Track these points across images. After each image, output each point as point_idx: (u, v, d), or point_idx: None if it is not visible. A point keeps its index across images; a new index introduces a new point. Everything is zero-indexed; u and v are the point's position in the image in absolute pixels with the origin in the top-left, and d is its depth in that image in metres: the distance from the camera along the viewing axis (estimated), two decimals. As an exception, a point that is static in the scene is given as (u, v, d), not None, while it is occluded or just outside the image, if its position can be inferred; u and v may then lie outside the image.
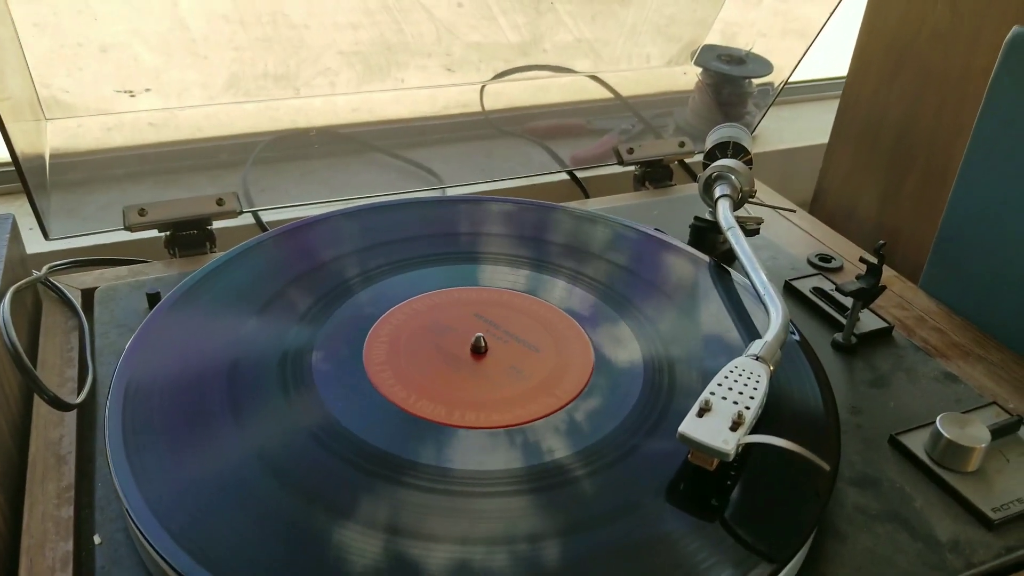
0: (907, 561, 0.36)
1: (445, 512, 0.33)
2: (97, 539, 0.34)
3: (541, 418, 0.38)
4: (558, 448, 0.37)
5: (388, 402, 0.38)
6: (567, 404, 0.39)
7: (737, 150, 0.55)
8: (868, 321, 0.50)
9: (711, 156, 0.56)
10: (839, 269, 0.57)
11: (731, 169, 0.53)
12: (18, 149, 0.47)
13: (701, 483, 0.36)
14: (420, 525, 0.32)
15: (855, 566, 0.35)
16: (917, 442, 0.41)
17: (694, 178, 0.71)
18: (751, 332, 0.45)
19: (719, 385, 0.37)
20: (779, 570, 0.32)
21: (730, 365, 0.38)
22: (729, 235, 0.49)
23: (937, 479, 0.39)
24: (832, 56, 0.84)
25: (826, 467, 0.33)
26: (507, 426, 0.38)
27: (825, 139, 0.76)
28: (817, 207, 0.76)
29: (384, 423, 0.37)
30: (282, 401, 0.38)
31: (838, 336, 0.49)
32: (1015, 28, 0.48)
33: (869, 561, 0.35)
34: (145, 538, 0.31)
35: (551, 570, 0.31)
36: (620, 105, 0.75)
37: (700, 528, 0.33)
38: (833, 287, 0.53)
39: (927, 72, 0.64)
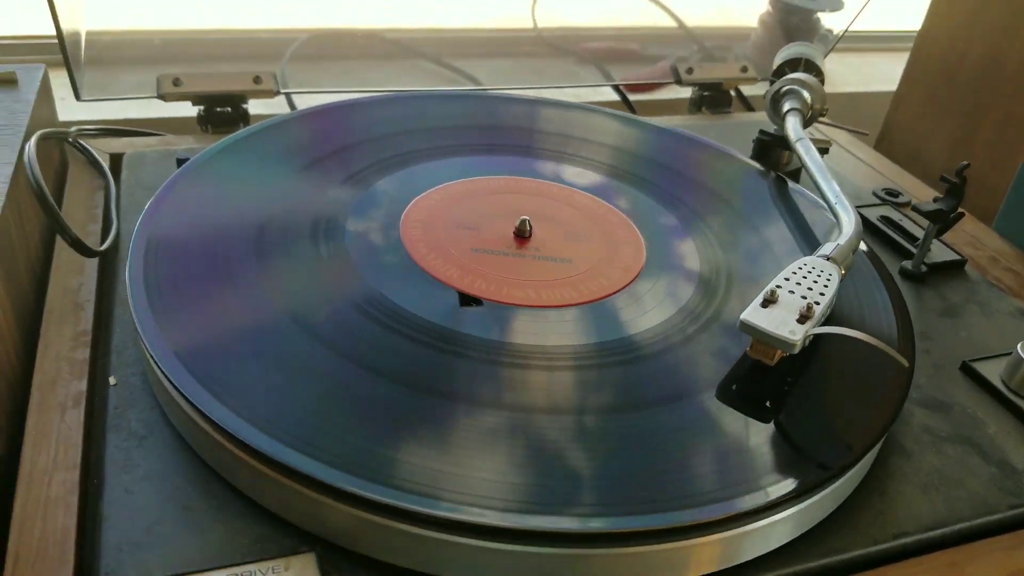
0: (979, 484, 0.33)
1: (490, 378, 0.31)
2: (112, 380, 0.32)
3: (590, 302, 0.36)
4: (604, 332, 0.34)
5: (424, 271, 0.36)
6: (617, 292, 0.37)
7: (809, 68, 0.51)
8: (939, 253, 0.47)
9: (779, 74, 0.52)
10: (906, 205, 0.53)
11: (803, 83, 0.50)
12: (57, 9, 0.44)
13: (757, 381, 0.33)
14: (470, 388, 0.30)
15: (921, 484, 0.32)
16: (992, 370, 0.38)
17: (751, 110, 0.67)
18: (814, 245, 0.42)
19: (786, 280, 0.34)
20: (835, 479, 0.29)
21: (799, 262, 0.35)
22: (798, 147, 0.46)
23: (1013, 407, 0.36)
24: (902, 6, 0.79)
25: (905, 363, 0.30)
26: (554, 306, 0.35)
27: (892, 87, 0.72)
28: (881, 151, 0.71)
29: (419, 289, 0.35)
30: (313, 260, 0.36)
31: (907, 263, 0.45)
32: None
33: (937, 480, 0.33)
34: (162, 371, 0.29)
35: (591, 443, 0.29)
36: (677, 33, 0.71)
37: (752, 428, 0.31)
38: (903, 217, 0.49)
39: (1018, 4, 0.60)
